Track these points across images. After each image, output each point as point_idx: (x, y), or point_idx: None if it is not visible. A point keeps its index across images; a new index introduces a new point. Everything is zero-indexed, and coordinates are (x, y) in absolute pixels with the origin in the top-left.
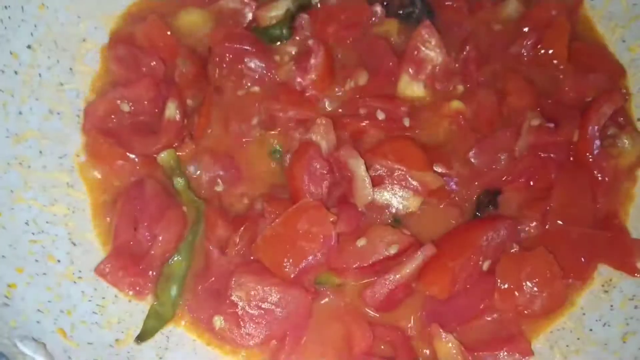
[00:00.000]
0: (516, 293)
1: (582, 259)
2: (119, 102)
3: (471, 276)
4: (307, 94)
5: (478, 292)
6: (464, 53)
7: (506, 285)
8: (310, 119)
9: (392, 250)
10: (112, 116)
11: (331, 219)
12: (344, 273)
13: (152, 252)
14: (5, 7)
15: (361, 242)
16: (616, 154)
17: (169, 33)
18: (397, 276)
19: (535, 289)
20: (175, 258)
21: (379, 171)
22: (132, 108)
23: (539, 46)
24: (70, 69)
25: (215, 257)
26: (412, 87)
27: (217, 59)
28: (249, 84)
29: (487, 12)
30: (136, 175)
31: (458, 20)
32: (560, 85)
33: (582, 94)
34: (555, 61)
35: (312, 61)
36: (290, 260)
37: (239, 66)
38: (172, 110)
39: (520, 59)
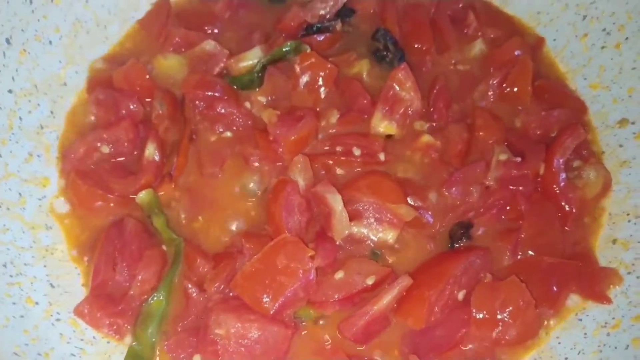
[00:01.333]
0: (491, 322)
1: (554, 288)
2: (98, 144)
3: (447, 306)
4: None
5: (454, 322)
6: (434, 92)
7: (481, 315)
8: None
9: (369, 282)
10: (91, 158)
11: (309, 254)
12: (322, 306)
13: (131, 292)
14: None
15: (339, 275)
16: (582, 185)
17: (147, 77)
18: (375, 308)
19: (509, 317)
20: (155, 297)
21: (355, 205)
22: (112, 149)
23: (504, 85)
24: (51, 112)
25: (194, 295)
26: (384, 124)
27: (190, 104)
28: (221, 129)
29: (454, 53)
30: (115, 215)
31: (426, 62)
32: (526, 121)
33: (547, 129)
34: (520, 98)
35: (300, 125)
36: (270, 295)
37: (211, 112)
38: (151, 151)
39: (487, 97)
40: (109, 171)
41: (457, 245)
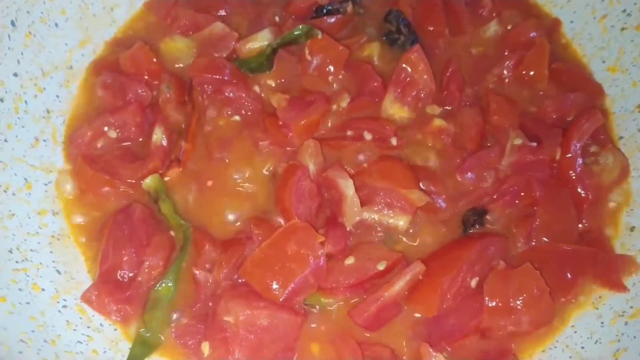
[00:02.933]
0: (504, 310)
1: (568, 275)
2: (105, 128)
3: (460, 294)
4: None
5: (467, 310)
6: (447, 74)
7: (494, 303)
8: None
9: (381, 267)
10: (98, 143)
11: (320, 240)
12: (332, 292)
13: (139, 278)
14: None
15: (349, 261)
16: (598, 171)
17: (154, 60)
18: (386, 294)
19: (523, 305)
20: (163, 284)
21: (367, 191)
22: (119, 134)
23: (519, 67)
24: (57, 96)
25: (203, 281)
26: (395, 108)
27: (198, 88)
28: (230, 113)
29: (468, 36)
30: (122, 201)
31: (439, 44)
32: (542, 104)
33: (563, 113)
34: (536, 82)
35: (310, 109)
36: (279, 282)
37: (219, 96)
38: (158, 136)
39: (501, 80)
40: (116, 156)
41: (470, 231)
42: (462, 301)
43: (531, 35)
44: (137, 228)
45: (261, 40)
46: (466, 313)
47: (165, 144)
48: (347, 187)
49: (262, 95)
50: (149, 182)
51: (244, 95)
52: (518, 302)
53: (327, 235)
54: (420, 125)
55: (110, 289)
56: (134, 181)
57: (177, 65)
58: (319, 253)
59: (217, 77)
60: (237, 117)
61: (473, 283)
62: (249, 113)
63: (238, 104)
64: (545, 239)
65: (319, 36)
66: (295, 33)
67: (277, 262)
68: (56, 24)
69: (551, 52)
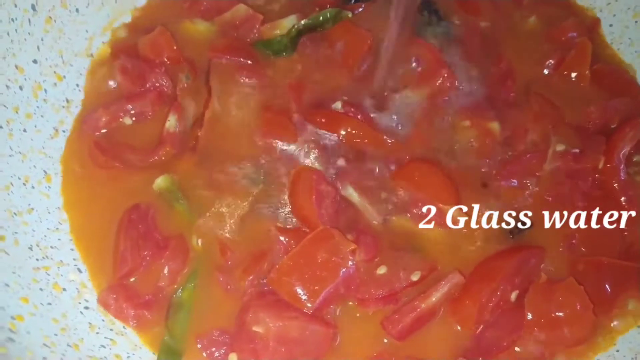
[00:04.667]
0: (546, 325)
1: (608, 290)
2: (121, 114)
3: (499, 307)
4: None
5: (506, 323)
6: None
7: (536, 317)
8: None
9: (415, 278)
10: (112, 128)
11: (351, 248)
12: (364, 303)
13: (161, 283)
14: (12, 19)
15: (381, 270)
16: None
17: (174, 47)
18: (423, 305)
19: (565, 321)
20: (185, 288)
21: (402, 196)
22: (134, 121)
23: (561, 67)
24: (77, 85)
25: (227, 288)
26: None
27: (215, 74)
28: (245, 101)
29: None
30: (134, 193)
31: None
32: (584, 110)
33: (606, 119)
34: (578, 84)
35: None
36: (310, 291)
37: (235, 79)
38: (172, 122)
39: (543, 80)
40: (128, 143)
41: (512, 237)
42: (501, 314)
43: (570, 35)
44: (153, 229)
45: (287, 25)
46: (505, 327)
47: (178, 131)
48: (352, 196)
49: (280, 80)
50: (160, 182)
51: (256, 81)
52: (560, 318)
53: (358, 243)
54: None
55: (129, 293)
56: (146, 168)
57: (196, 51)
58: (350, 261)
59: (234, 58)
60: (251, 104)
61: (513, 296)
62: (264, 100)
63: (252, 91)
64: (584, 249)
65: (350, 15)
66: (322, 17)
67: (307, 271)
68: (77, 10)
69: (593, 52)
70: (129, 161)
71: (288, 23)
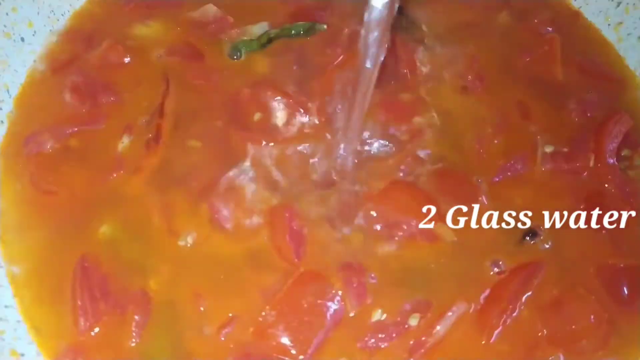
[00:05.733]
0: (559, 338)
1: (625, 292)
2: (69, 135)
3: (510, 325)
4: None
5: (519, 338)
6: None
7: (548, 330)
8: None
9: (413, 322)
10: (57, 151)
11: (335, 288)
12: (369, 351)
13: (131, 341)
14: None
15: (376, 317)
16: (636, 176)
17: (126, 60)
18: (430, 340)
19: (579, 332)
20: (154, 343)
21: (385, 222)
22: (82, 144)
23: (534, 67)
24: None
25: (202, 340)
26: None
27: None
28: (199, 101)
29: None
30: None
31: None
32: (563, 106)
33: (584, 112)
34: (552, 81)
35: None
36: (299, 340)
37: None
38: (125, 144)
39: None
40: (73, 166)
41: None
42: (513, 330)
43: (544, 29)
44: (109, 279)
45: (257, 32)
46: (518, 342)
47: (130, 153)
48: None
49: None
50: (105, 231)
51: (204, 82)
52: (575, 330)
53: (345, 284)
54: None
55: (91, 351)
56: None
57: (147, 56)
58: (337, 303)
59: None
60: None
61: (525, 312)
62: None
63: (207, 92)
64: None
65: (325, 28)
66: (294, 30)
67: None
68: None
69: (570, 46)
70: (76, 185)
71: (258, 30)
